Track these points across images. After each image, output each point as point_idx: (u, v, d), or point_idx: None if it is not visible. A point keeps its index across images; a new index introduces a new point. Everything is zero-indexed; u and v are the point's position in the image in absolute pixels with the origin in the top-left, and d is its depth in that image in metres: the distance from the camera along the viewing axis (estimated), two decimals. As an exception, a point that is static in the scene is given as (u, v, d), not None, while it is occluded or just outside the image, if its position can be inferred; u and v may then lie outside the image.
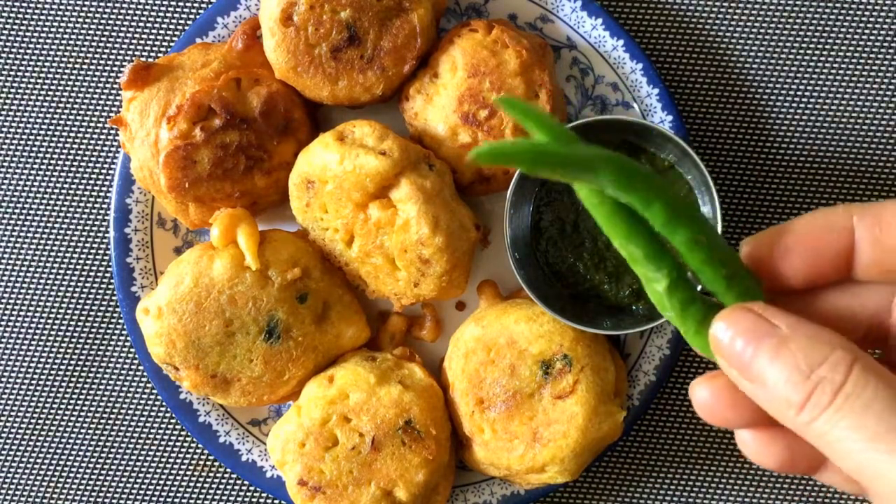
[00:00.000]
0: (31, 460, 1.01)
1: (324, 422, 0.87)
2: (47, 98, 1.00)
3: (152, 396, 1.00)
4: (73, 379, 1.00)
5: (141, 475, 1.00)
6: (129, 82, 0.88)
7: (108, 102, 1.00)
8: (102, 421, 1.00)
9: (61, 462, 1.01)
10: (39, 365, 1.01)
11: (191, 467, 1.00)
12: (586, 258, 0.89)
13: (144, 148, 0.88)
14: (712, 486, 0.99)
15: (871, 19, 0.96)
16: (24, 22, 1.00)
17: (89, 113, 1.00)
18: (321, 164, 0.85)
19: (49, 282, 1.00)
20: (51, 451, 1.01)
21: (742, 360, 0.43)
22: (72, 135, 1.00)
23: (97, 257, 1.00)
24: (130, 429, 1.00)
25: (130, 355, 1.00)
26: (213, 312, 0.86)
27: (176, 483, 1.00)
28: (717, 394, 0.47)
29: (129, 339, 0.99)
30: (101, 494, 1.01)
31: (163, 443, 1.00)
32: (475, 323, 0.89)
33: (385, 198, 0.85)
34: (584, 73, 0.94)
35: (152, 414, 1.00)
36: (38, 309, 1.00)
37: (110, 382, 1.00)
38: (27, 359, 1.00)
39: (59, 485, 1.01)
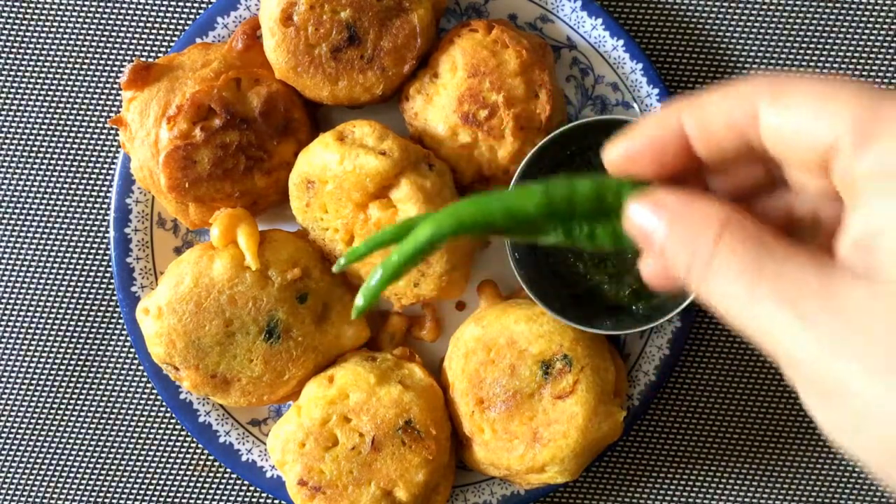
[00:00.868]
0: (31, 460, 1.01)
1: (324, 422, 0.87)
2: (47, 98, 1.00)
3: (152, 396, 1.00)
4: (73, 379, 1.00)
5: (141, 475, 1.00)
6: (129, 82, 0.88)
7: (108, 102, 1.00)
8: (102, 421, 1.00)
9: (61, 462, 1.01)
10: (39, 365, 1.01)
11: (191, 467, 1.00)
12: (586, 258, 0.90)
13: (144, 148, 0.88)
14: (712, 486, 0.99)
15: (871, 19, 0.96)
16: (24, 22, 1.00)
17: (89, 113, 1.00)
18: (321, 164, 0.85)
19: (49, 282, 1.00)
20: (51, 451, 1.01)
21: (646, 236, 0.49)
22: (72, 135, 1.00)
23: (97, 257, 1.00)
24: (130, 429, 1.00)
25: (130, 355, 1.00)
26: (213, 312, 0.86)
27: (176, 483, 1.00)
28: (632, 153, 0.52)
29: (129, 339, 0.99)
30: (101, 494, 1.01)
31: (163, 443, 1.00)
32: (475, 323, 0.89)
33: (385, 198, 0.85)
34: (584, 73, 0.94)
35: (152, 414, 1.00)
36: (38, 309, 1.00)
37: (110, 382, 1.00)
38: (27, 359, 1.01)
39: (59, 485, 1.01)
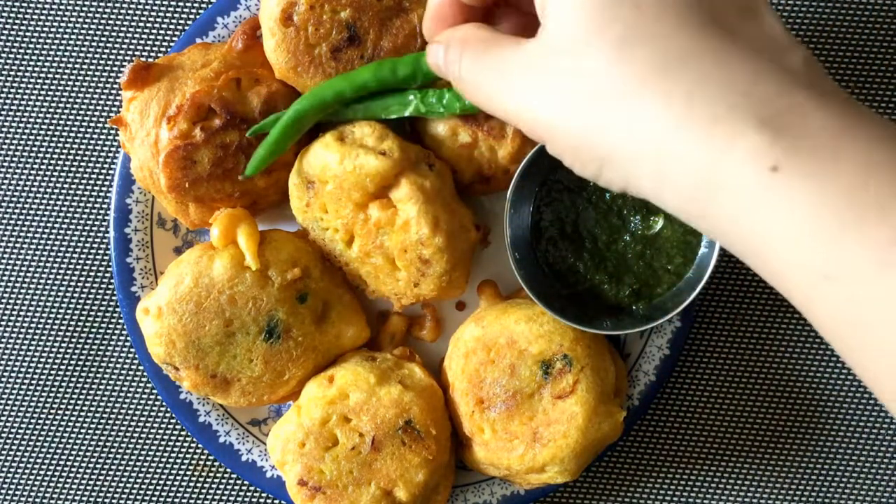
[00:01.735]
0: (31, 460, 1.01)
1: (324, 422, 0.87)
2: (47, 98, 1.00)
3: (152, 396, 1.00)
4: (73, 379, 1.00)
5: (141, 475, 1.00)
6: (129, 82, 0.88)
7: (108, 102, 1.00)
8: (102, 421, 1.00)
9: (61, 462, 1.01)
10: (39, 365, 1.01)
11: (191, 467, 1.00)
12: (586, 258, 0.90)
13: (144, 148, 0.88)
14: (712, 486, 0.99)
15: (871, 19, 0.96)
16: (24, 22, 1.00)
17: (89, 113, 1.00)
18: (321, 164, 0.85)
19: (49, 282, 1.00)
20: (51, 451, 1.01)
21: (435, 62, 0.71)
22: (72, 135, 1.00)
23: (97, 257, 1.00)
24: (130, 429, 1.00)
25: (130, 355, 1.00)
26: (213, 312, 0.86)
27: (176, 483, 1.00)
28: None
29: (129, 339, 0.99)
30: (101, 494, 1.01)
31: (163, 443, 1.00)
32: (475, 323, 0.89)
33: (385, 198, 0.85)
34: (584, 73, 0.94)
35: (152, 414, 1.00)
36: (38, 309, 1.00)
37: (110, 382, 1.00)
38: (27, 359, 1.01)
39: (59, 485, 1.01)
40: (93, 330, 1.00)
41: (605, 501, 0.99)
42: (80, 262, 1.00)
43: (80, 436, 1.01)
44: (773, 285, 0.55)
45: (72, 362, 1.00)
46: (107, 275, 1.00)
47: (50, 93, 1.00)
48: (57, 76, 1.00)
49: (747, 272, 0.98)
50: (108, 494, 1.01)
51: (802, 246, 0.51)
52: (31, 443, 1.01)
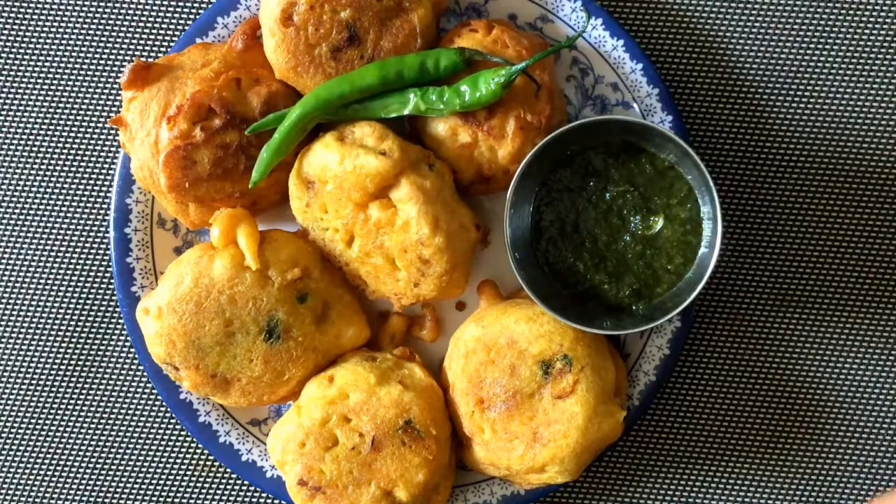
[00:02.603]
0: (31, 460, 1.01)
1: (324, 422, 0.87)
2: (47, 98, 1.00)
3: (152, 396, 1.00)
4: (73, 379, 1.00)
5: (141, 475, 1.00)
6: (129, 82, 0.88)
7: (108, 102, 1.00)
8: (102, 421, 1.00)
9: (61, 462, 1.01)
10: (39, 365, 1.01)
11: (191, 467, 1.00)
12: (586, 258, 0.90)
13: (144, 148, 0.88)
14: (712, 486, 0.99)
15: (871, 19, 0.96)
16: (24, 22, 1.00)
17: (89, 113, 1.00)
18: (321, 164, 0.85)
19: (49, 282, 1.00)
20: (51, 451, 1.01)
21: None
22: (72, 135, 1.00)
23: (97, 257, 1.00)
24: (130, 429, 1.00)
25: (130, 355, 1.00)
26: (213, 312, 0.86)
27: (176, 483, 1.00)
28: None
29: (129, 339, 0.99)
30: (101, 494, 1.01)
31: (163, 443, 1.00)
32: (475, 323, 0.89)
33: (385, 198, 0.85)
34: (584, 73, 0.94)
35: (152, 414, 1.00)
36: (38, 309, 1.00)
37: (110, 382, 1.00)
38: (27, 359, 1.01)
39: (59, 485, 1.01)
40: (93, 330, 1.00)
41: (605, 501, 0.99)
42: (80, 262, 1.00)
43: (80, 436, 1.01)
44: None
45: (72, 362, 1.00)
46: (107, 275, 1.00)
47: (50, 93, 1.00)
48: (57, 76, 1.00)
49: (747, 272, 0.98)
50: (108, 494, 1.01)
51: None
52: (31, 443, 1.01)
